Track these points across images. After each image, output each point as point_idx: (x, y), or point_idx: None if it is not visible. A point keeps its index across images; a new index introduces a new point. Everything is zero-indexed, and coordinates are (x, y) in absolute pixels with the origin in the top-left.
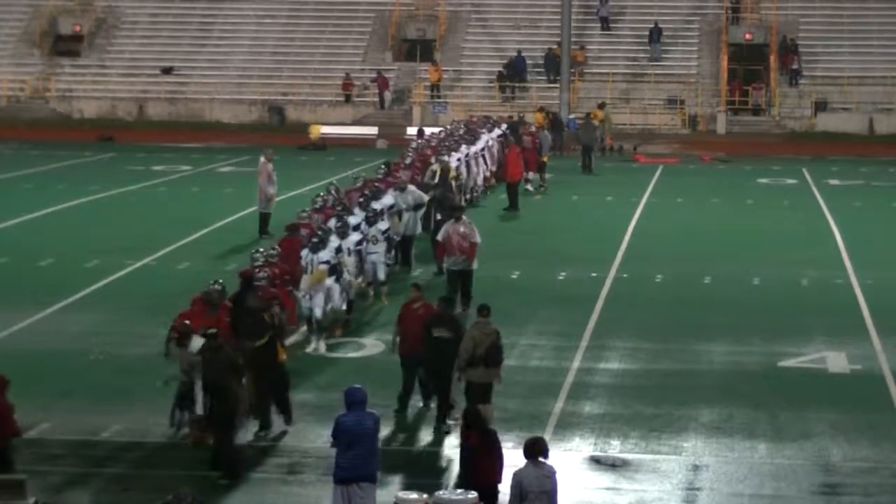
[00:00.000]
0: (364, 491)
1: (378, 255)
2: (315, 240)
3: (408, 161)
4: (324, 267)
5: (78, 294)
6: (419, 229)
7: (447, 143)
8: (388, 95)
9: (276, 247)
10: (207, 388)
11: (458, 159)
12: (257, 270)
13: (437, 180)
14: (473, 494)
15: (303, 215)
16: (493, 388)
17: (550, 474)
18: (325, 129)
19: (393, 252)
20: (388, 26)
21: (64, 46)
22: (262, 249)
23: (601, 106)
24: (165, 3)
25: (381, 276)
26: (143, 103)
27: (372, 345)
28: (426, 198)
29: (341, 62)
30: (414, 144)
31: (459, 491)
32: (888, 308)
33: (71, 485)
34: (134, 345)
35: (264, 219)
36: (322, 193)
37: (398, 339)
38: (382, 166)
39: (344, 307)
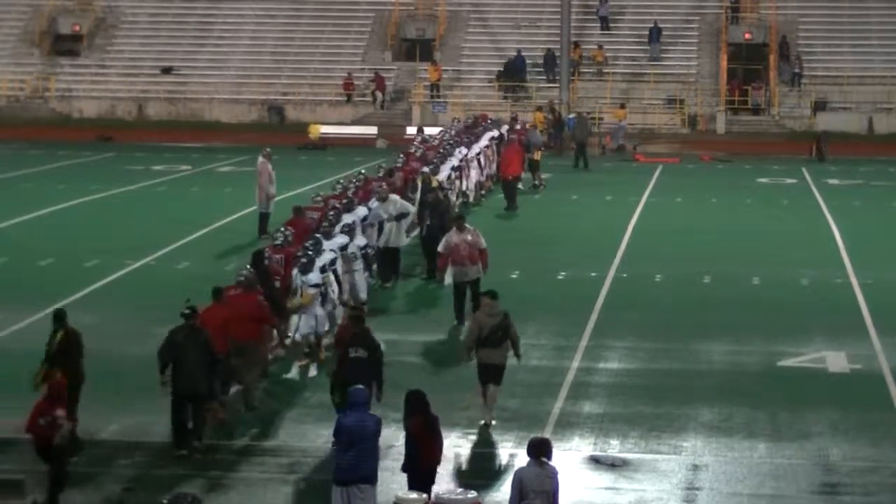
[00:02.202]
0: (363, 492)
1: (356, 273)
2: (304, 260)
3: (418, 154)
4: (314, 290)
5: (78, 294)
6: (404, 240)
7: (441, 151)
8: (378, 95)
9: (289, 227)
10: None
11: (452, 167)
12: (273, 251)
13: (419, 192)
14: (473, 494)
15: (317, 199)
16: (503, 370)
17: (552, 475)
18: (325, 129)
19: (372, 267)
20: (388, 26)
21: (63, 46)
22: (282, 229)
23: (622, 106)
24: (165, 2)
25: (363, 295)
26: (142, 103)
27: None
28: (411, 208)
29: (341, 62)
30: (419, 139)
31: (459, 491)
32: (888, 308)
33: (71, 485)
34: (134, 345)
35: (264, 219)
36: (342, 181)
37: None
38: (401, 155)
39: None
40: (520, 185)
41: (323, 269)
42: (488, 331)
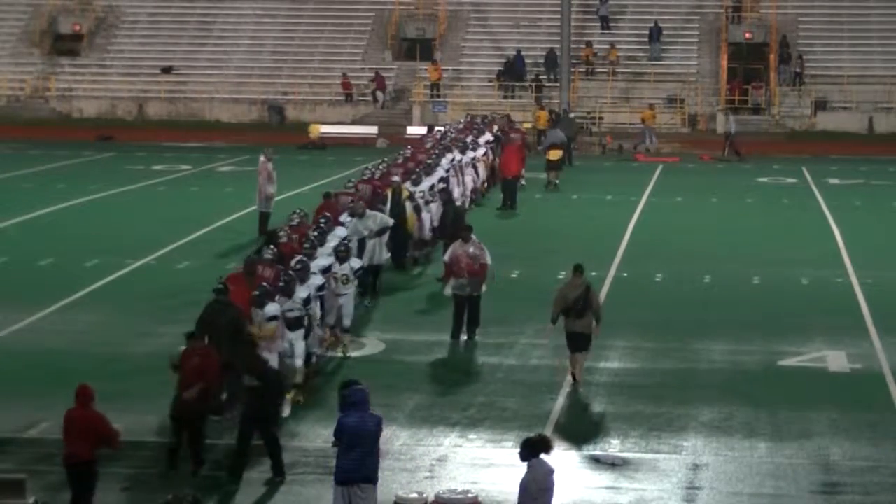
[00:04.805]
0: (365, 492)
1: (347, 297)
2: (257, 293)
3: (428, 145)
4: (273, 324)
5: (78, 294)
6: (385, 255)
7: (429, 161)
8: (379, 95)
9: (324, 213)
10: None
11: (440, 178)
12: (287, 230)
13: (389, 203)
14: (473, 494)
15: (348, 185)
16: (589, 337)
17: (550, 472)
18: (325, 129)
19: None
20: (388, 25)
21: (64, 46)
22: (299, 210)
23: (651, 107)
24: (165, 2)
25: (347, 322)
26: (142, 103)
27: (372, 345)
28: (391, 221)
29: (341, 61)
30: (437, 134)
31: (460, 491)
32: (888, 307)
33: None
34: (134, 345)
35: (264, 218)
36: (370, 166)
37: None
38: (408, 147)
39: (300, 363)
40: (522, 182)
41: (307, 301)
42: (572, 301)
